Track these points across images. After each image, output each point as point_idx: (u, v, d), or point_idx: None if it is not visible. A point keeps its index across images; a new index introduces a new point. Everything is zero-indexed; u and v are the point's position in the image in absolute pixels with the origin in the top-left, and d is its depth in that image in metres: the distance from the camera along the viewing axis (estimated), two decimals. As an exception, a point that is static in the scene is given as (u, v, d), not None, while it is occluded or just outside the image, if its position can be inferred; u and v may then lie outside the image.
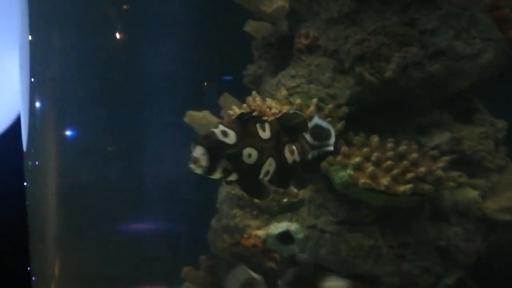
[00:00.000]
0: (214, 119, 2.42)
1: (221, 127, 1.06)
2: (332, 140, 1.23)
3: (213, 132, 1.05)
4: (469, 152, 1.86)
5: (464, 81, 1.82)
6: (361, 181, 1.65)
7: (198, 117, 2.42)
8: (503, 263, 1.96)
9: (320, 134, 1.20)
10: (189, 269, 2.52)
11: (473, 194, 1.87)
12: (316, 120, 1.21)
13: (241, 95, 2.08)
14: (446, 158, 1.74)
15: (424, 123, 1.91)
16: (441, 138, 1.87)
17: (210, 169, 1.04)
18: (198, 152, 1.03)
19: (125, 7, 2.76)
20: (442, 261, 1.88)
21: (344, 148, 1.77)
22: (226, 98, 2.40)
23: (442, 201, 1.89)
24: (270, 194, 1.13)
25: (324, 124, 1.21)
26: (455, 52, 1.73)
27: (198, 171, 1.04)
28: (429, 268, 1.84)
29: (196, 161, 1.03)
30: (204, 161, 1.03)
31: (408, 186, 1.62)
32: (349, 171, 1.69)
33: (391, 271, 1.82)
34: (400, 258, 1.82)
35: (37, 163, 2.54)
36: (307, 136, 1.18)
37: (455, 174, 1.77)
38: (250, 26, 2.38)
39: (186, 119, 2.44)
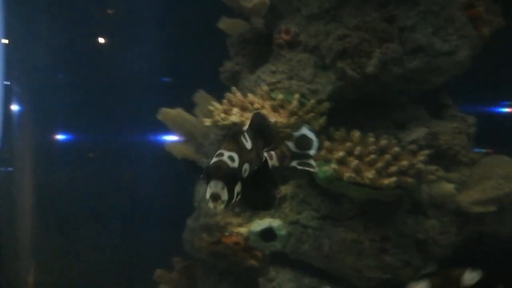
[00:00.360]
0: (189, 117, 2.37)
1: (226, 153, 0.99)
2: (314, 150, 1.21)
3: (223, 161, 0.97)
4: (445, 147, 1.91)
5: (441, 77, 1.87)
6: (346, 175, 1.66)
7: (172, 115, 2.36)
8: (476, 255, 2.02)
9: (304, 143, 1.18)
10: (162, 271, 2.44)
11: (449, 187, 1.91)
12: (304, 130, 1.19)
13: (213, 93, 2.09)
14: (426, 152, 1.77)
15: (401, 118, 1.95)
16: (418, 133, 1.91)
17: (230, 200, 0.96)
18: (217, 187, 0.94)
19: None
20: (421, 254, 1.91)
21: (327, 143, 1.77)
22: (201, 96, 2.36)
23: (420, 195, 1.93)
24: (276, 201, 1.09)
25: (310, 135, 1.19)
26: (433, 48, 1.78)
27: (220, 207, 0.98)
28: (409, 261, 1.86)
29: (217, 197, 0.94)
30: (224, 195, 0.96)
31: (393, 179, 1.64)
32: (333, 166, 1.69)
33: (373, 265, 1.83)
34: (382, 252, 1.83)
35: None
36: (290, 144, 1.17)
37: (432, 168, 1.81)
38: (224, 23, 2.34)
39: (159, 117, 2.37)
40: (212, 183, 0.95)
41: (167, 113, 2.36)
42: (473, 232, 1.99)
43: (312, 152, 1.20)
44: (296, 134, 1.20)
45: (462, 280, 1.34)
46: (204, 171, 0.96)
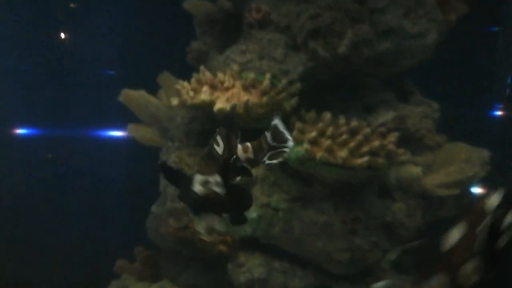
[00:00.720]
0: (153, 99, 2.27)
1: (211, 178, 0.94)
2: (290, 144, 1.17)
3: (212, 192, 0.93)
4: (412, 130, 1.93)
5: (410, 60, 1.89)
6: (319, 154, 1.64)
7: (135, 97, 2.26)
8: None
9: (279, 136, 1.14)
10: (123, 262, 2.33)
11: (416, 170, 1.94)
12: (276, 121, 1.15)
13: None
14: (395, 134, 1.78)
15: (371, 101, 1.95)
16: (387, 116, 1.92)
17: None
18: (212, 221, 0.92)
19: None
20: (388, 236, 1.93)
21: (298, 124, 1.74)
22: (165, 77, 2.27)
23: (387, 178, 1.94)
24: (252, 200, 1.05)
25: (281, 127, 1.15)
26: (404, 31, 1.79)
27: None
28: (377, 243, 1.87)
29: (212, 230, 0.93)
30: (220, 226, 0.93)
31: (365, 158, 1.64)
32: (305, 146, 1.66)
33: (343, 247, 1.83)
34: (353, 234, 1.83)
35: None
36: (268, 136, 1.12)
37: (400, 150, 1.83)
38: (190, 4, 2.27)
39: (121, 98, 2.26)
40: (205, 217, 0.92)
41: (129, 94, 2.25)
42: (435, 216, 2.04)
43: (288, 145, 1.15)
44: (271, 124, 1.14)
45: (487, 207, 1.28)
46: (191, 200, 0.91)
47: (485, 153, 1.92)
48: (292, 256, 1.89)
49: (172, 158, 1.98)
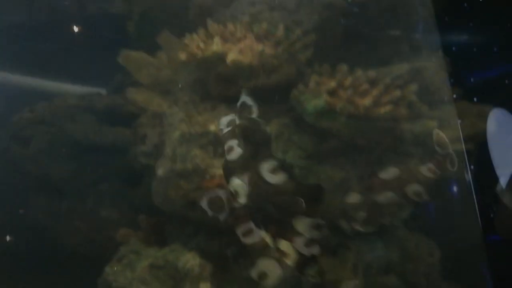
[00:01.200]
0: (154, 60, 2.16)
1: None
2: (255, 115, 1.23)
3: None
4: (428, 82, 1.88)
5: (425, 11, 1.82)
6: (339, 105, 1.57)
7: (135, 58, 2.14)
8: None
9: (246, 110, 1.18)
10: (127, 230, 2.24)
11: (432, 124, 1.89)
12: (244, 98, 1.20)
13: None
14: (414, 85, 1.73)
15: (385, 54, 1.89)
16: (402, 69, 1.86)
17: None
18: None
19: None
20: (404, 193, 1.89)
21: (314, 77, 1.67)
22: (165, 37, 2.15)
23: (402, 133, 1.89)
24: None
25: (249, 101, 1.20)
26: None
27: None
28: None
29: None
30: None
31: (388, 107, 1.57)
32: (325, 97, 1.59)
33: (360, 203, 1.78)
34: (369, 190, 1.78)
35: None
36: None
37: (418, 103, 1.78)
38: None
39: (120, 60, 2.14)
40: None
41: (129, 55, 2.14)
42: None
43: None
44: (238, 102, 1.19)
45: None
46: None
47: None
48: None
49: (180, 117, 1.88)
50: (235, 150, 1.03)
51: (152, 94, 2.20)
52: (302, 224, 1.32)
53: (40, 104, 1.91)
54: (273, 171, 1.13)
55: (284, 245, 1.35)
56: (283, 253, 1.34)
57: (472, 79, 2.33)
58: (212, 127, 1.85)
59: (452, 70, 2.00)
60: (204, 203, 1.27)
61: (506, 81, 2.40)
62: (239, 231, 1.44)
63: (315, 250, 1.23)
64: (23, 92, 2.26)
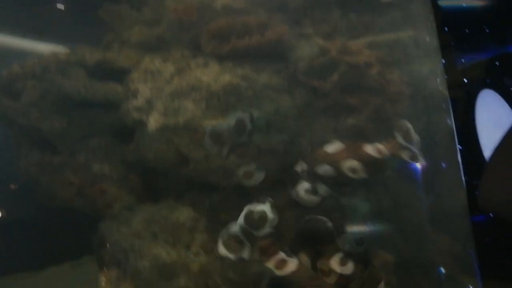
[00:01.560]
0: (137, 15, 2.12)
1: None
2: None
3: None
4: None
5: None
6: (334, 50, 1.56)
7: (117, 12, 2.11)
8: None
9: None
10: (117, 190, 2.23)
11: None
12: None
13: None
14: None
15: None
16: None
17: None
18: None
19: None
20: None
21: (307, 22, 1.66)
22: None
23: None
24: None
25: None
26: None
27: None
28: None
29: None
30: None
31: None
32: (317, 41, 1.59)
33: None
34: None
35: None
36: None
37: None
38: None
39: (101, 14, 2.11)
40: None
41: (110, 9, 2.10)
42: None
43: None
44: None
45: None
46: None
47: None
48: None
49: (171, 72, 1.87)
50: None
51: (143, 52, 2.18)
52: (343, 242, 1.30)
53: (30, 59, 1.88)
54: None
55: (324, 264, 1.32)
56: (325, 273, 1.30)
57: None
58: (205, 82, 1.84)
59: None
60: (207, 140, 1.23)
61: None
62: (271, 265, 1.37)
63: (350, 266, 1.20)
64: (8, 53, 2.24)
